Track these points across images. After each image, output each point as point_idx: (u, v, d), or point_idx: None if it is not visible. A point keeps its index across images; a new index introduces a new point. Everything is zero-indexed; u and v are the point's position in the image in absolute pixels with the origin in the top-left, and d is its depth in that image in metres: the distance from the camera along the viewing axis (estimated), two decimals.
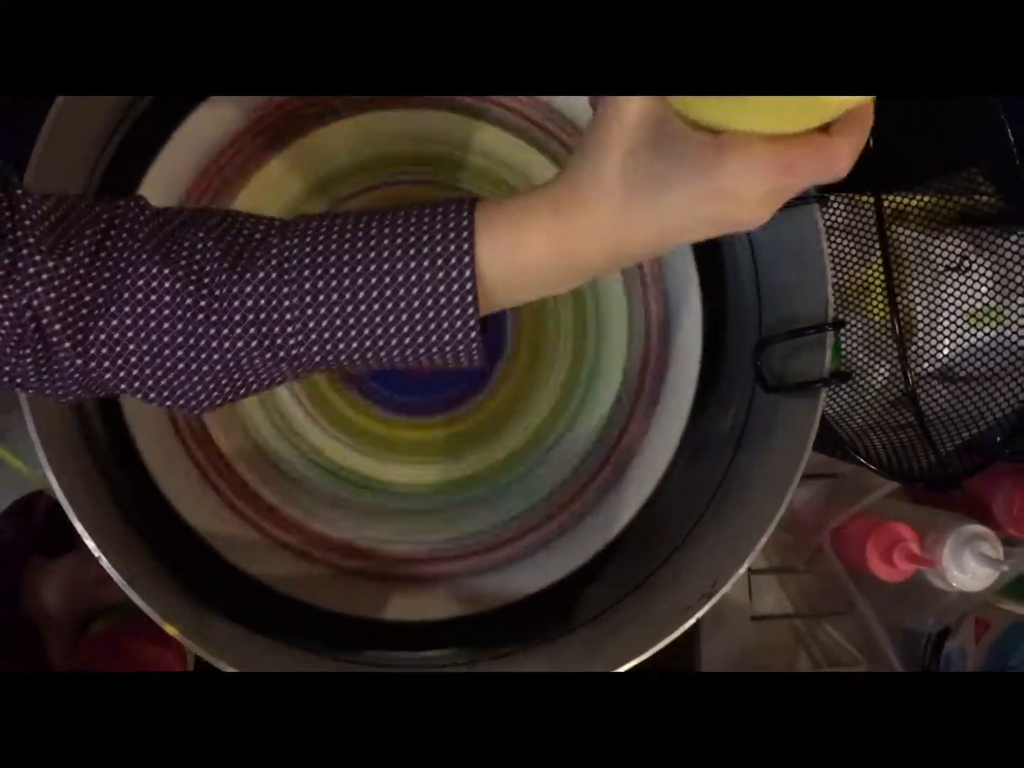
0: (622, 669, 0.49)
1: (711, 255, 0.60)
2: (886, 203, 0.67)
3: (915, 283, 0.71)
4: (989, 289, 0.72)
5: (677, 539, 0.58)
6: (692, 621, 0.49)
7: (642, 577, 0.58)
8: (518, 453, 0.60)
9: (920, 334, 0.70)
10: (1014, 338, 0.71)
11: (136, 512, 0.55)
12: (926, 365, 0.70)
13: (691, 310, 0.59)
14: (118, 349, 0.37)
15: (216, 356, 0.37)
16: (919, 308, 0.71)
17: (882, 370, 0.60)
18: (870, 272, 0.66)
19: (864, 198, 0.68)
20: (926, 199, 0.74)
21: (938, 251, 0.71)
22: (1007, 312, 0.72)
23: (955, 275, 0.72)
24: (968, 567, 0.78)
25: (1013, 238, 0.71)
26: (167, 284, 0.37)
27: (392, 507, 0.59)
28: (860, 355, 0.64)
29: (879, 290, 0.60)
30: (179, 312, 0.37)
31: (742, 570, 0.50)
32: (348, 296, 0.36)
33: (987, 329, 0.73)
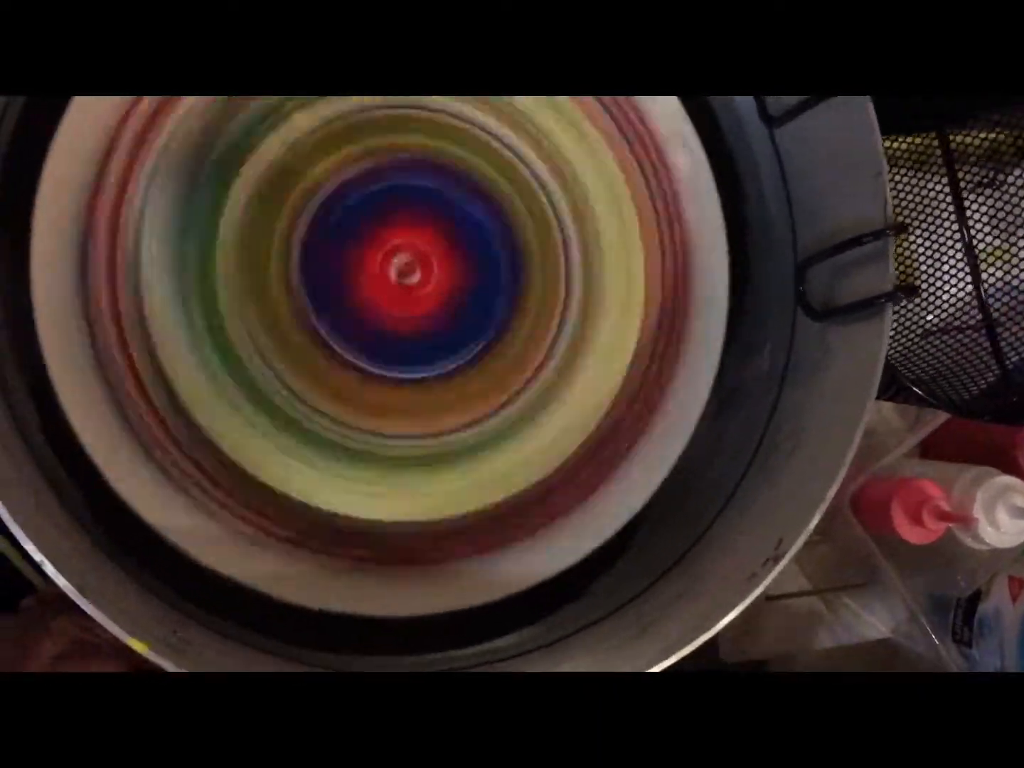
0: (683, 651, 0.39)
1: (724, 169, 0.50)
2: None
3: (914, 227, 0.64)
4: (989, 224, 0.65)
5: (719, 500, 0.48)
6: (760, 589, 0.40)
7: (683, 548, 0.48)
8: (525, 415, 0.50)
9: (924, 280, 0.63)
10: (1022, 277, 0.64)
11: (88, 514, 0.44)
12: (932, 317, 0.63)
13: (713, 238, 0.49)
14: None
15: None
16: (920, 253, 0.63)
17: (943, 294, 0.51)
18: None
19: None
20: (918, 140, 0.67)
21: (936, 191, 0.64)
22: (1014, 251, 0.65)
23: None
24: (1001, 522, 0.71)
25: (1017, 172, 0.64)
26: None
27: (387, 481, 0.49)
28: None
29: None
30: None
31: (811, 525, 0.40)
32: None
33: (992, 270, 0.66)
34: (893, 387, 0.50)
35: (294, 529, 0.48)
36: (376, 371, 0.49)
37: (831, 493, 0.41)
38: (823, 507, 0.41)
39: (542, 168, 0.51)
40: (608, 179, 0.51)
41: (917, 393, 0.50)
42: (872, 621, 0.84)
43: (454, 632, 0.48)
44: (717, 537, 0.48)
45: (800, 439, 0.46)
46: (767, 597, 0.84)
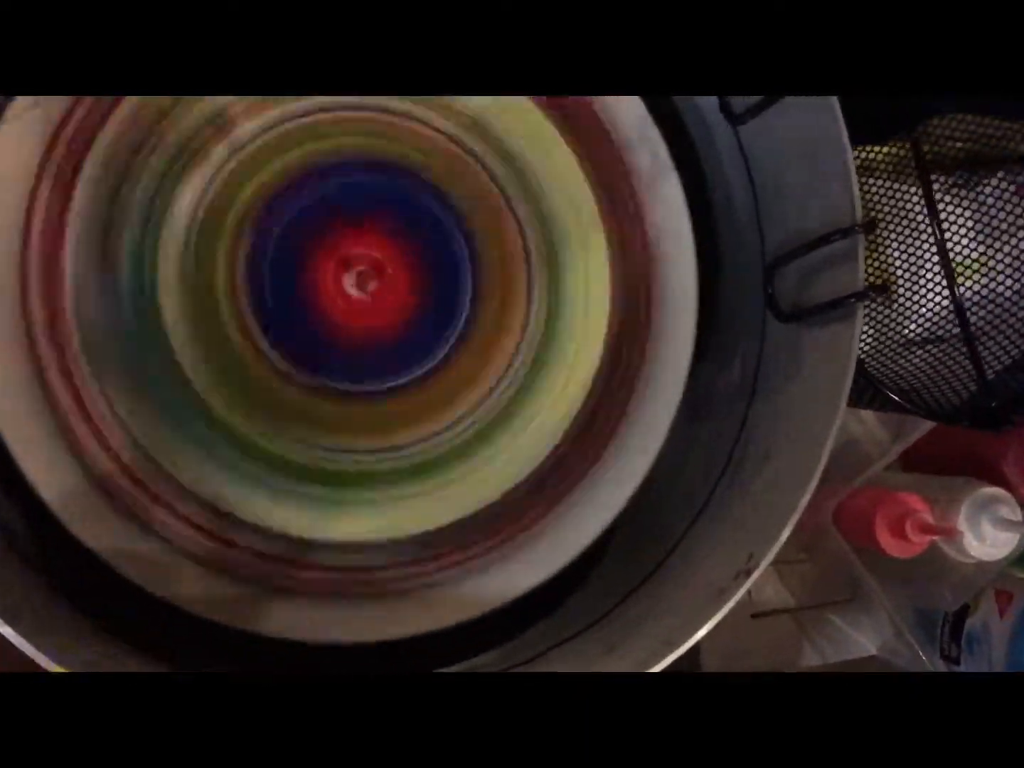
0: (654, 669, 0.36)
1: (691, 175, 0.48)
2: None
3: (892, 236, 0.63)
4: (967, 234, 0.63)
5: (690, 514, 0.46)
6: (732, 603, 0.38)
7: (653, 563, 0.46)
8: (484, 430, 0.48)
9: (902, 290, 0.61)
10: (1000, 289, 0.62)
11: (21, 537, 0.42)
12: (912, 326, 0.61)
13: (680, 242, 0.47)
14: None
15: None
16: (898, 263, 0.62)
17: (913, 295, 0.49)
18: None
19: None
20: (894, 148, 0.65)
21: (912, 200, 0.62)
22: (991, 263, 0.63)
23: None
24: (986, 534, 0.69)
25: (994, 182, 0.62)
26: None
27: (339, 500, 0.46)
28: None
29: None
30: None
31: (783, 536, 0.38)
32: None
33: (970, 283, 0.64)
34: (869, 393, 0.48)
35: (248, 551, 0.45)
36: (331, 385, 0.46)
37: (803, 503, 0.39)
38: (795, 518, 0.39)
39: (499, 169, 0.48)
40: (568, 183, 0.48)
41: (896, 401, 0.48)
42: (858, 638, 0.83)
43: (416, 656, 0.45)
44: (688, 551, 0.45)
45: (771, 449, 0.44)
46: (752, 615, 0.81)
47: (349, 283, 0.46)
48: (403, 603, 0.45)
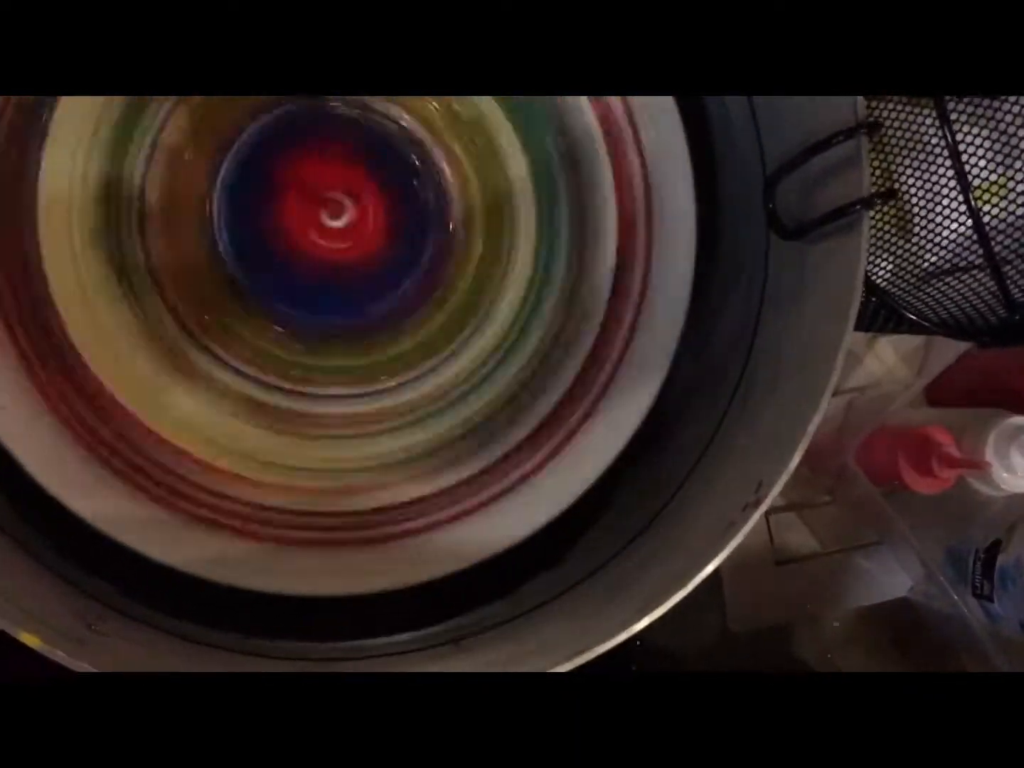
0: (658, 611, 0.34)
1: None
2: None
3: (907, 163, 0.59)
4: (985, 159, 0.59)
5: (698, 449, 0.43)
6: (739, 538, 0.35)
7: (660, 503, 0.43)
8: (476, 370, 0.45)
9: (924, 220, 0.58)
10: (1021, 212, 0.58)
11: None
12: (932, 257, 0.58)
13: (677, 162, 0.44)
14: None
15: None
16: (915, 191, 0.58)
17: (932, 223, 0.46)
18: None
19: None
20: None
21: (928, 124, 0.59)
22: (1011, 186, 0.59)
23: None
24: (1016, 465, 0.66)
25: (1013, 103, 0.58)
26: None
27: (327, 455, 0.43)
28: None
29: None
30: None
31: (794, 462, 0.35)
32: None
33: (989, 207, 0.60)
34: (883, 315, 0.45)
35: (237, 507, 0.43)
36: (309, 319, 0.44)
37: (812, 426, 0.36)
38: (805, 442, 0.36)
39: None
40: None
41: (915, 321, 0.45)
42: (888, 581, 0.79)
43: (414, 610, 0.43)
44: (696, 488, 0.43)
45: (780, 372, 0.41)
46: (776, 562, 0.79)
47: (323, 214, 0.44)
48: (395, 552, 0.42)
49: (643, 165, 0.45)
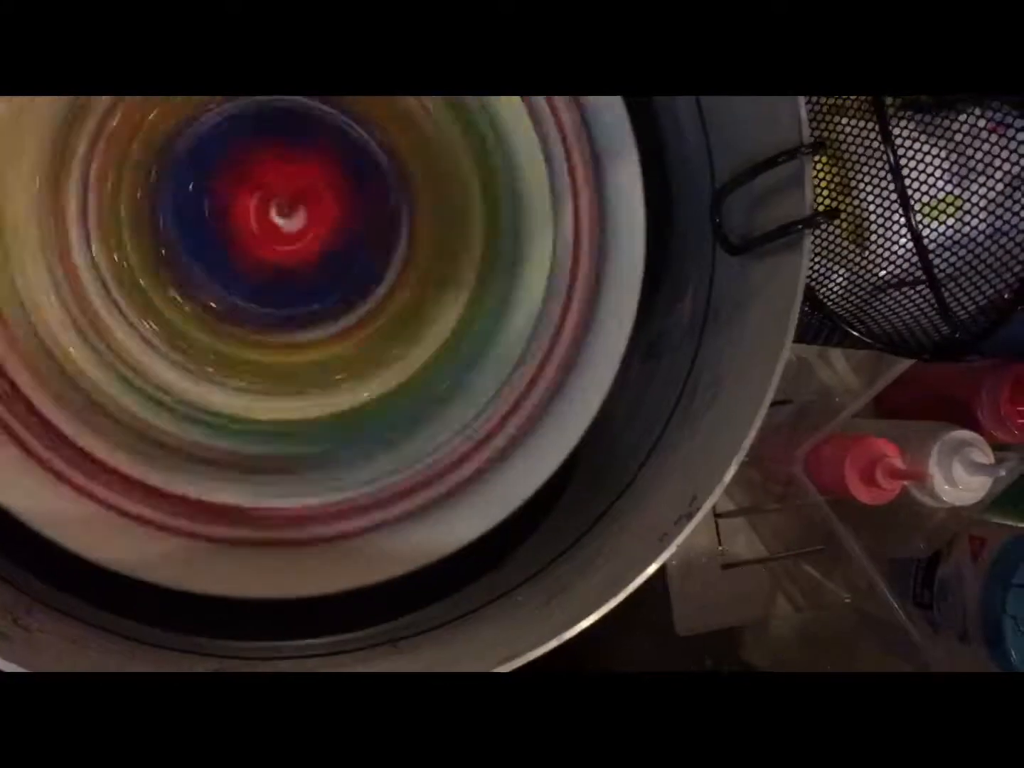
0: (589, 620, 0.34)
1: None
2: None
3: (862, 179, 0.59)
4: (944, 172, 0.60)
5: (642, 454, 0.43)
6: (672, 549, 0.35)
7: (596, 513, 0.43)
8: (420, 376, 0.44)
9: (875, 235, 0.58)
10: (973, 229, 0.59)
11: None
12: (887, 266, 0.58)
13: (628, 172, 0.44)
14: None
15: None
16: (870, 206, 0.59)
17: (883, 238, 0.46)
18: None
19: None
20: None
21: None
22: (964, 203, 0.60)
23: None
24: (958, 478, 0.67)
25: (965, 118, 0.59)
26: None
27: (270, 453, 0.43)
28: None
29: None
30: None
31: (727, 477, 0.35)
32: None
33: (941, 224, 0.61)
34: (827, 328, 0.45)
35: (170, 507, 0.42)
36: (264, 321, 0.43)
37: (748, 442, 0.36)
38: (740, 456, 0.36)
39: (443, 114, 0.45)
40: (512, 107, 0.45)
41: (856, 336, 0.45)
42: (831, 587, 0.80)
43: (348, 613, 0.42)
44: (635, 495, 0.43)
45: (721, 384, 0.41)
46: (723, 566, 0.79)
47: (273, 212, 0.43)
48: (339, 555, 0.42)
49: (596, 174, 0.45)
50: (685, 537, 0.36)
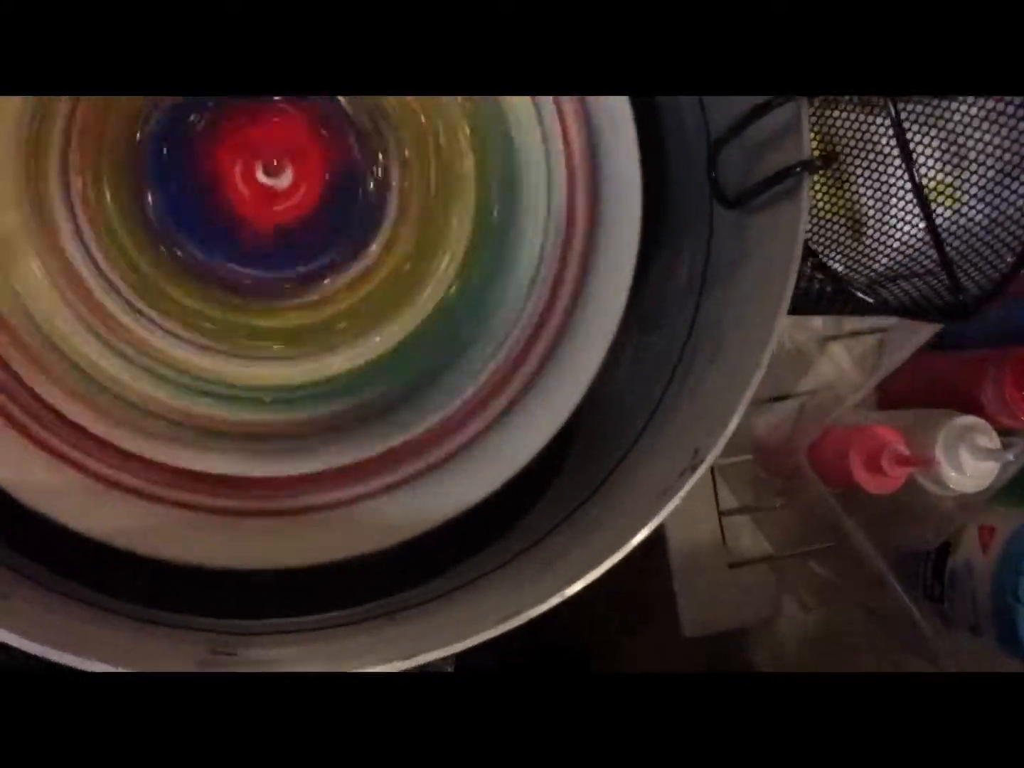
0: (588, 578, 0.32)
1: None
2: None
3: (859, 169, 0.59)
4: (936, 161, 0.59)
5: (643, 419, 0.42)
6: (675, 502, 0.33)
7: (603, 474, 0.42)
8: (413, 338, 0.43)
9: (872, 222, 0.58)
10: (971, 215, 0.58)
11: None
12: (883, 258, 0.58)
13: (621, 130, 0.43)
14: None
15: None
16: (866, 196, 0.58)
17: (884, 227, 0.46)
18: None
19: None
20: None
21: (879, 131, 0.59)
22: (961, 191, 0.60)
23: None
24: (965, 464, 0.66)
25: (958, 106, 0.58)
26: None
27: (259, 419, 0.42)
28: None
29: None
30: None
31: (730, 428, 0.34)
32: None
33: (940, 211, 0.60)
34: (829, 293, 0.44)
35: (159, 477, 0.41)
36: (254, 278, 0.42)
37: (750, 393, 0.35)
38: (742, 409, 0.35)
39: None
40: None
41: (860, 299, 0.44)
42: (839, 583, 0.79)
43: (347, 585, 0.41)
44: (636, 459, 0.42)
45: (721, 342, 0.40)
46: (729, 565, 0.78)
47: (260, 172, 0.42)
48: (334, 524, 0.41)
49: (588, 132, 0.44)
50: (688, 490, 0.34)
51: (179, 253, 0.42)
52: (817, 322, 0.76)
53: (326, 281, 0.43)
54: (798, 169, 0.36)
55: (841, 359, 0.79)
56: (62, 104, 0.41)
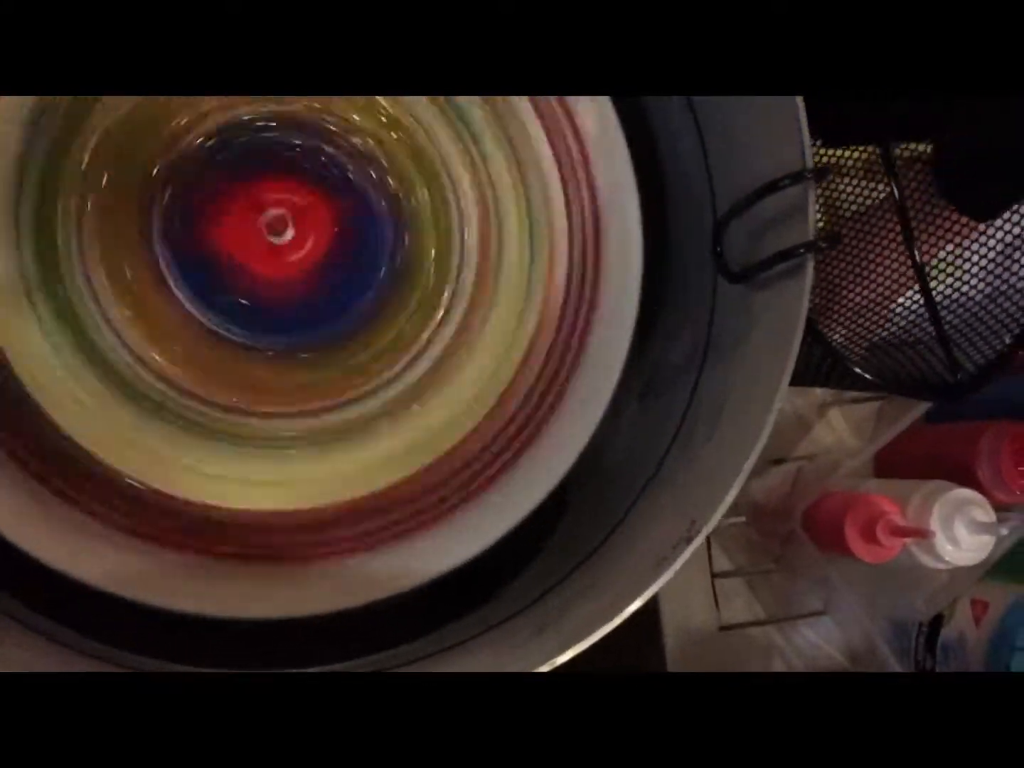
0: (582, 645, 0.32)
1: (637, 126, 0.45)
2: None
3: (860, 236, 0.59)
4: (939, 240, 0.60)
5: (635, 491, 0.42)
6: (669, 574, 0.33)
7: (598, 539, 0.41)
8: (404, 400, 0.43)
9: (872, 294, 0.58)
10: (970, 291, 0.59)
11: None
12: (881, 331, 0.58)
13: (625, 205, 0.43)
14: None
15: None
16: (868, 267, 0.59)
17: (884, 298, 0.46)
18: None
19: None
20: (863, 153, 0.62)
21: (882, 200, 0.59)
22: (961, 264, 0.60)
23: None
24: (960, 537, 0.65)
25: None
26: None
27: (262, 464, 0.42)
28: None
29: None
30: None
31: (728, 501, 0.34)
32: None
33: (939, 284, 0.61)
34: (828, 364, 0.45)
35: (148, 521, 0.40)
36: (245, 341, 0.42)
37: (749, 465, 0.35)
38: (740, 481, 0.35)
39: (442, 132, 0.45)
40: (513, 142, 0.45)
41: (857, 374, 0.44)
42: (829, 651, 0.78)
43: (334, 640, 0.41)
44: (633, 525, 0.41)
45: (721, 413, 0.40)
46: (720, 627, 0.77)
47: (265, 229, 0.42)
48: (311, 577, 0.40)
49: (593, 202, 0.44)
50: (683, 562, 0.34)
51: None
52: (817, 388, 0.77)
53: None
54: (802, 250, 0.37)
55: (839, 425, 0.79)
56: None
